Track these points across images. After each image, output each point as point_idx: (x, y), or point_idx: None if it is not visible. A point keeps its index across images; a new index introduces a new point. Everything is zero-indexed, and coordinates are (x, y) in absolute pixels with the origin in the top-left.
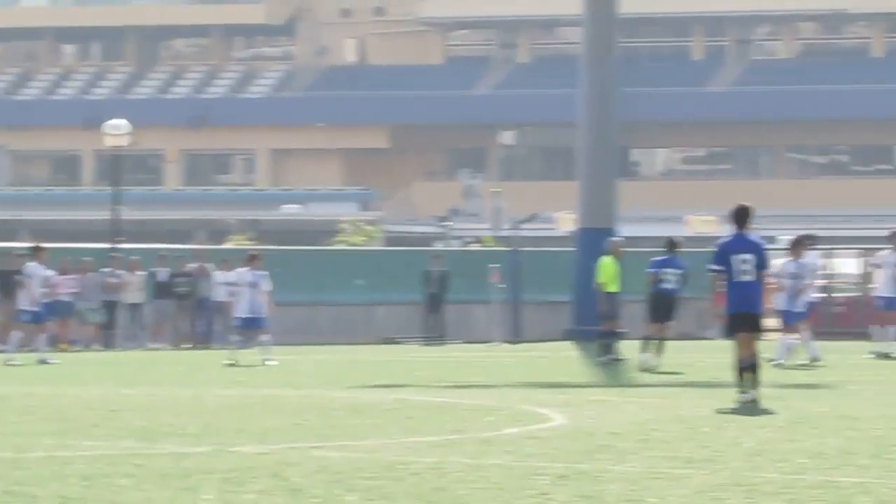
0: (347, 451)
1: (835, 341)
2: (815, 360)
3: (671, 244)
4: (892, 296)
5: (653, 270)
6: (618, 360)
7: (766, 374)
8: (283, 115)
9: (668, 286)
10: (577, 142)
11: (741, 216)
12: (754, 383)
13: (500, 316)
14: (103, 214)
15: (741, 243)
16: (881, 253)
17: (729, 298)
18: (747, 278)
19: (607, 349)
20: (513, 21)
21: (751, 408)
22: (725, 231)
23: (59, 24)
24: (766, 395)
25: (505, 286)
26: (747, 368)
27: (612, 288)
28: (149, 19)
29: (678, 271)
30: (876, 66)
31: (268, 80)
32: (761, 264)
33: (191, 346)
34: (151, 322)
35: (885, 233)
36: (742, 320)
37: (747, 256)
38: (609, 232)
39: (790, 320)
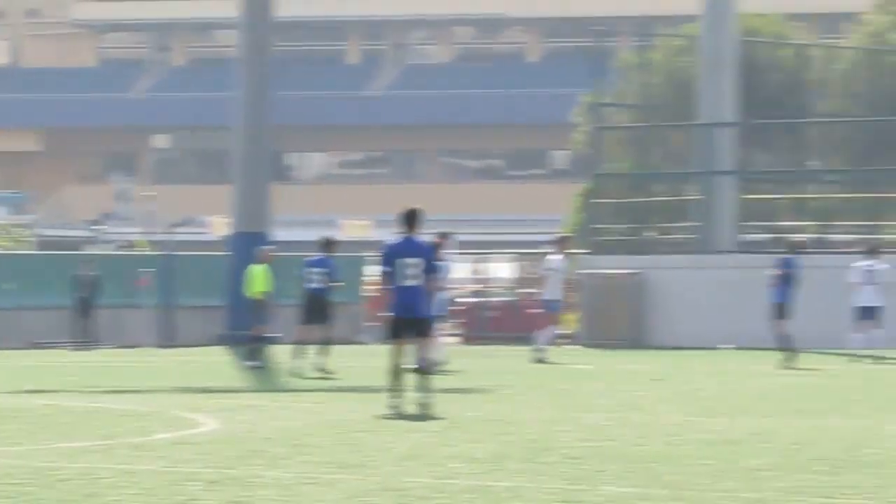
0: None
1: (489, 346)
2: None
3: (324, 243)
4: (558, 299)
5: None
6: (260, 366)
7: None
8: None
9: (313, 285)
10: (232, 145)
11: (410, 219)
12: (424, 387)
13: (152, 320)
14: None
15: (408, 247)
16: (552, 257)
17: (392, 302)
18: (412, 282)
19: (253, 354)
20: (167, 24)
21: (409, 412)
22: (394, 234)
23: None
24: (418, 399)
25: (146, 289)
26: (416, 371)
27: (263, 295)
28: None
29: (324, 270)
30: (532, 71)
31: None
32: (429, 269)
33: None
34: None
35: (544, 238)
36: (404, 325)
37: (413, 260)
38: (263, 236)
39: None
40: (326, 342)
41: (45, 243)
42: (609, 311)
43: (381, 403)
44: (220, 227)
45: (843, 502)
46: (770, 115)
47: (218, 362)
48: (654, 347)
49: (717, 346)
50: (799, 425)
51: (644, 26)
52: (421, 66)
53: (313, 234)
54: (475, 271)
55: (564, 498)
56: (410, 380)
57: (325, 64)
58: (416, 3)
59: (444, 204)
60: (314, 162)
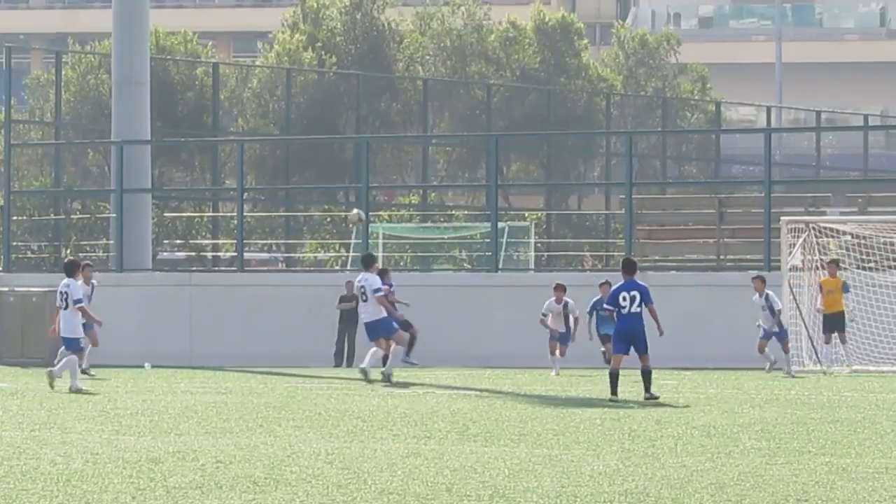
0: None
1: None
2: None
3: None
4: None
5: None
6: None
7: None
8: None
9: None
10: None
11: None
12: None
13: None
14: None
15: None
16: None
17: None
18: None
19: None
20: None
21: None
22: None
23: None
24: None
25: None
26: None
27: None
28: None
29: None
30: None
31: None
32: None
33: None
34: None
35: None
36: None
37: None
38: None
39: None
40: None
41: None
42: (27, 329)
43: None
44: None
45: None
46: (185, 133)
47: None
48: None
49: (144, 364)
50: (222, 444)
51: (56, 43)
52: None
53: None
54: None
55: None
56: None
57: None
58: None
59: None
60: None
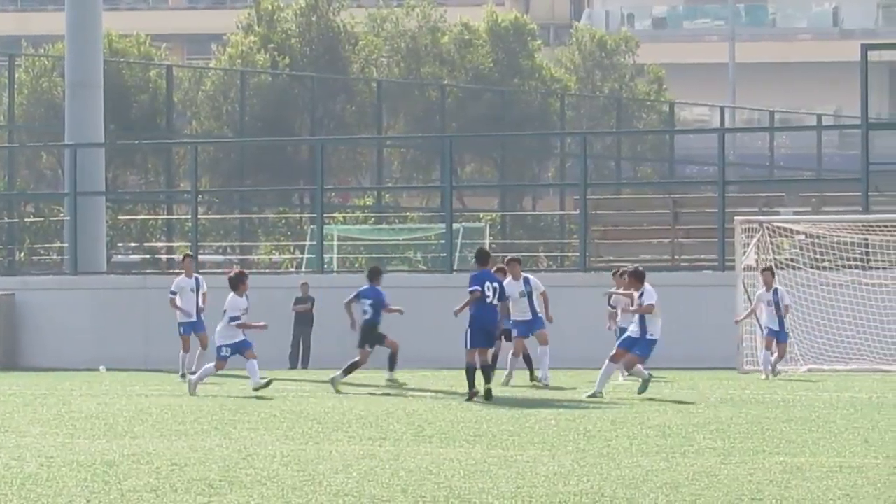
0: None
1: None
2: None
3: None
4: None
5: None
6: None
7: None
8: None
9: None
10: None
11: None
12: None
13: None
14: None
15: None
16: None
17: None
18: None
19: None
20: None
21: None
22: None
23: None
24: None
25: None
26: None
27: None
28: None
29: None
30: None
31: None
32: None
33: None
34: None
35: None
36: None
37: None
38: None
39: None
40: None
41: None
42: None
43: None
44: None
45: None
46: (139, 135)
47: None
48: (27, 369)
49: (99, 367)
50: (177, 446)
51: (9, 45)
52: None
53: None
54: None
55: None
56: None
57: None
58: None
59: None
60: None
